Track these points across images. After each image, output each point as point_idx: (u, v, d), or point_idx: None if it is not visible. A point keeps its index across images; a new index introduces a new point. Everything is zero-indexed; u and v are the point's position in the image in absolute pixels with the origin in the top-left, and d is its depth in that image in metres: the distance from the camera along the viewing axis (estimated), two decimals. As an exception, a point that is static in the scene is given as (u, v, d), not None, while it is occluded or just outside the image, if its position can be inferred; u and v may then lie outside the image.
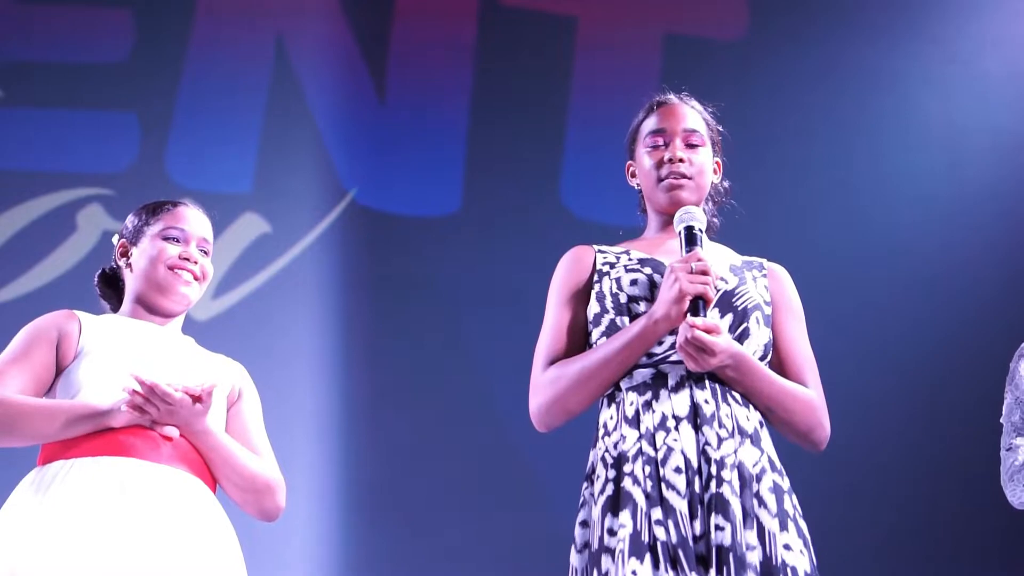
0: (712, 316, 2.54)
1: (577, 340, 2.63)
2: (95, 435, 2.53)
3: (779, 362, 2.64)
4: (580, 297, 2.67)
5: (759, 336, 2.58)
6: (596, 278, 2.66)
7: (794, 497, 2.51)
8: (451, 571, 4.71)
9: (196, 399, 2.57)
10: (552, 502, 4.62)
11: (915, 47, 5.27)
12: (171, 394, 2.53)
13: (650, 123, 2.76)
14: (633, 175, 2.80)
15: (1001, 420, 3.11)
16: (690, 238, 2.58)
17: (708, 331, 2.44)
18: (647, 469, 2.42)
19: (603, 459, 2.51)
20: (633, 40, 5.35)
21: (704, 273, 2.49)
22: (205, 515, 2.56)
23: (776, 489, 2.46)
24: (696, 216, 2.61)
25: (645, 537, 2.36)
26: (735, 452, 2.44)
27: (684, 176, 2.68)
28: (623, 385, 2.55)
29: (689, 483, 2.40)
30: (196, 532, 2.51)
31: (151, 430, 2.55)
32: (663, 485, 2.40)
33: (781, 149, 5.08)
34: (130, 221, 2.87)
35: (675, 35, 5.38)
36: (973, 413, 4.45)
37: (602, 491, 2.47)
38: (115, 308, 2.86)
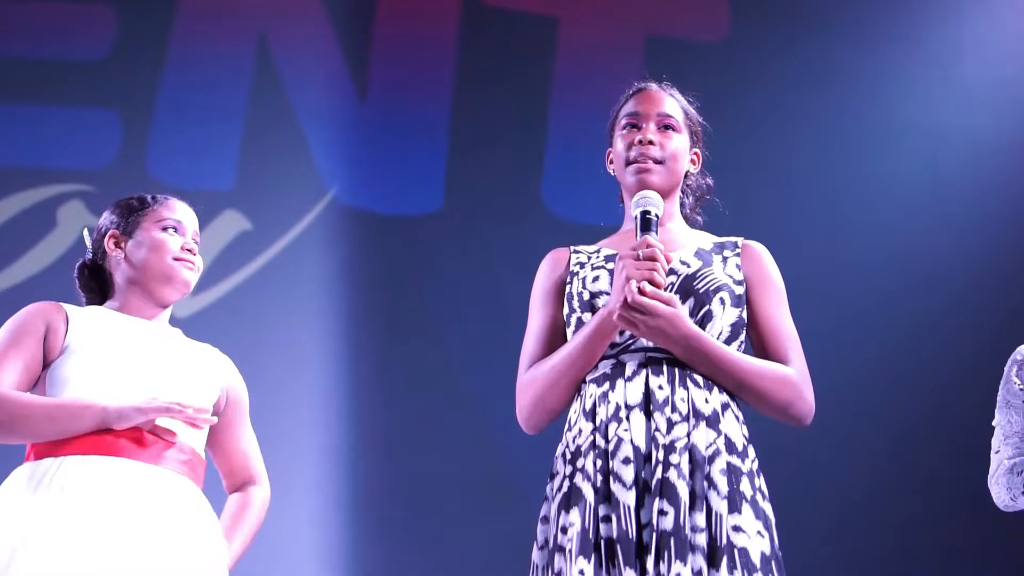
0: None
1: (556, 342, 2.62)
2: (87, 432, 2.52)
3: (758, 339, 2.61)
4: (557, 299, 2.66)
5: (724, 318, 2.55)
6: (569, 279, 2.66)
7: (758, 479, 2.46)
8: (434, 568, 4.71)
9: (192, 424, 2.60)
10: (535, 500, 4.63)
11: (895, 49, 5.29)
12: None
13: (627, 108, 2.74)
14: (612, 162, 2.77)
15: (993, 423, 3.12)
16: (645, 224, 2.55)
17: (658, 286, 2.44)
18: (598, 463, 2.41)
19: (563, 455, 2.52)
20: (615, 41, 5.36)
21: (652, 259, 2.46)
22: (194, 516, 2.56)
23: (731, 470, 2.41)
24: (652, 201, 2.57)
25: (592, 535, 2.36)
26: (688, 435, 2.41)
27: (654, 159, 2.65)
28: (587, 378, 2.55)
29: (637, 472, 2.38)
30: (185, 533, 2.51)
31: (143, 430, 2.55)
32: (611, 478, 2.39)
33: (762, 150, 5.09)
34: (116, 214, 2.83)
35: (657, 36, 5.39)
36: (958, 413, 4.49)
37: (559, 488, 2.48)
38: (96, 301, 2.83)
